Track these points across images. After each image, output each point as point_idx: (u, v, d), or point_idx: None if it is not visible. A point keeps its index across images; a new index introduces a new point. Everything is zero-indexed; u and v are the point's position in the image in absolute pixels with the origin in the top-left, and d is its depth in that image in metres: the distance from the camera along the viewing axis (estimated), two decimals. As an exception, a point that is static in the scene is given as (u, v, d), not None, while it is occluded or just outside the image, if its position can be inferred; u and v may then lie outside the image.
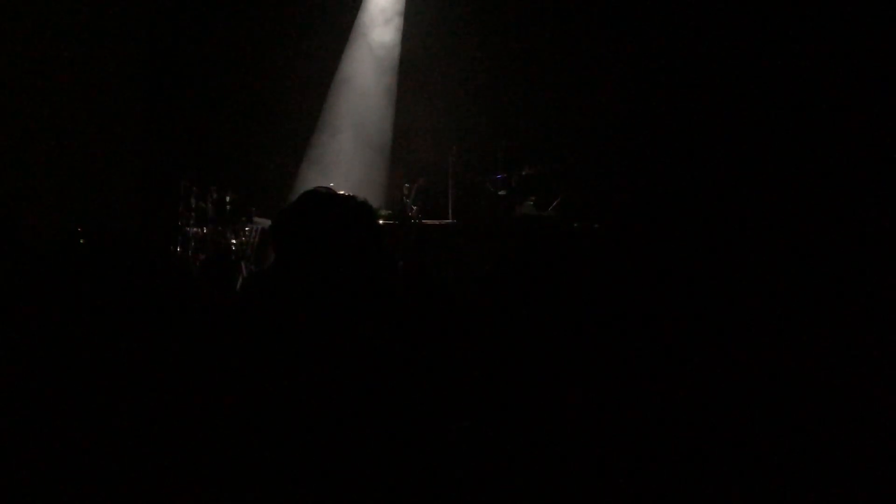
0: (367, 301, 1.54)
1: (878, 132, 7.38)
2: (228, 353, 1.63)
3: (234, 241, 8.32)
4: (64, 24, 8.53)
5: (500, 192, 8.66)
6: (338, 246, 1.55)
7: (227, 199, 8.60)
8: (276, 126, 9.99)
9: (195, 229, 8.45)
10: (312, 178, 9.95)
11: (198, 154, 9.37)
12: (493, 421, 1.71)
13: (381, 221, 8.62)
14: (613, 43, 8.82)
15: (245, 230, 8.49)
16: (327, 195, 1.64)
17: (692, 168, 8.46)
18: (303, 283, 1.55)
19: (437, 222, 8.71)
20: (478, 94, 9.74)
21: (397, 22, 10.09)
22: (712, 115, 8.40)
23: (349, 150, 10.14)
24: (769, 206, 7.58)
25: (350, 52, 10.22)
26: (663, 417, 1.87)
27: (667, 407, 1.92)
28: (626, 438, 1.77)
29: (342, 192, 1.71)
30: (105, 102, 9.03)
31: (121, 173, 9.21)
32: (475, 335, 2.11)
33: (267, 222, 8.42)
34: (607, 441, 1.76)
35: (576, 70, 9.11)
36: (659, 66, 8.71)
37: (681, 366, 2.28)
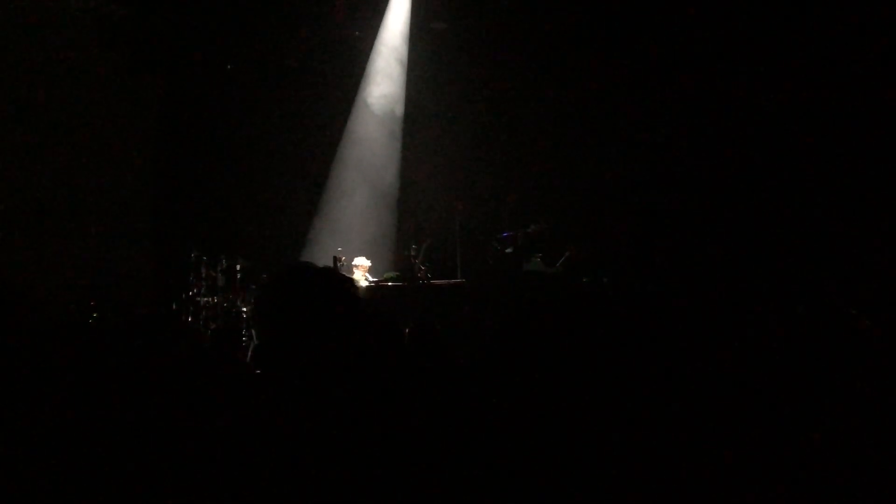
0: (349, 374, 1.55)
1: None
2: (237, 420, 1.64)
3: (244, 309, 8.33)
4: (74, 97, 8.78)
5: (507, 250, 8.69)
6: (314, 320, 1.57)
7: (238, 267, 8.66)
8: (284, 193, 10.12)
9: (206, 299, 8.49)
10: (320, 242, 10.03)
11: (207, 224, 9.47)
12: (500, 484, 1.70)
13: (389, 283, 8.66)
14: (620, 98, 8.94)
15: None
16: (305, 270, 1.66)
17: (701, 220, 8.49)
18: (284, 357, 1.56)
19: (445, 282, 8.72)
20: (482, 153, 9.86)
21: (399, 78, 10.26)
22: (720, 168, 8.48)
23: (356, 215, 10.23)
24: (776, 256, 7.58)
25: (354, 115, 10.40)
26: (672, 477, 1.85)
27: (675, 464, 1.90)
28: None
29: (326, 266, 1.73)
30: (115, 176, 9.20)
31: (131, 245, 9.31)
32: (483, 397, 2.11)
33: (277, 289, 8.43)
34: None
35: (582, 125, 9.21)
36: (666, 119, 8.82)
37: (693, 422, 2.25)
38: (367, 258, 8.91)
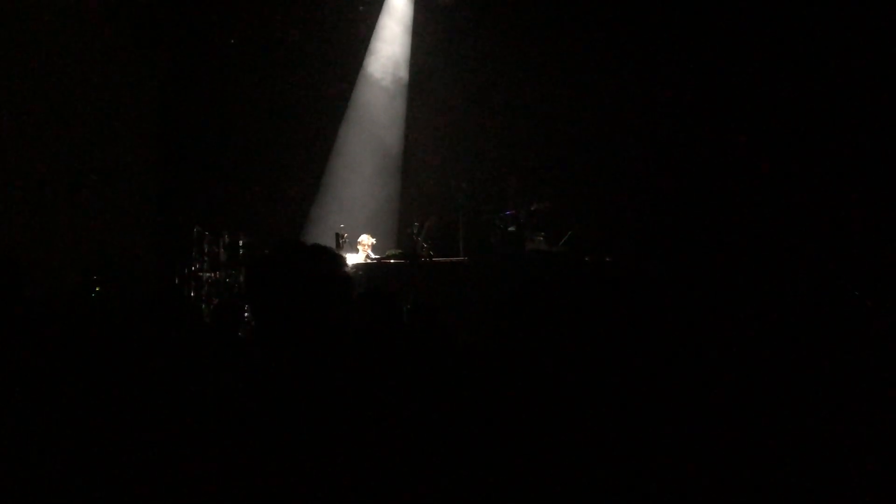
0: (343, 352, 1.55)
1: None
2: (237, 395, 1.64)
3: (246, 285, 8.32)
4: (77, 71, 8.73)
5: (509, 228, 8.66)
6: (303, 299, 1.56)
7: (240, 242, 8.66)
8: (287, 167, 10.10)
9: (208, 274, 8.50)
10: (323, 217, 10.02)
11: (210, 199, 9.47)
12: (502, 469, 1.70)
13: (391, 261, 8.65)
14: (628, 74, 8.87)
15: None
16: (293, 248, 1.65)
17: (703, 200, 8.47)
18: (277, 337, 1.56)
19: (448, 260, 8.71)
20: (485, 130, 9.81)
21: (404, 46, 10.18)
22: (723, 148, 8.44)
23: (360, 186, 10.22)
24: (778, 236, 7.56)
25: (358, 87, 10.34)
26: (676, 454, 1.85)
27: (680, 443, 1.90)
28: (639, 481, 1.75)
29: (316, 244, 1.71)
30: (118, 150, 9.18)
31: (134, 220, 9.32)
32: (483, 377, 2.11)
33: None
34: (619, 485, 1.74)
35: (588, 102, 9.15)
36: (670, 100, 8.76)
37: (697, 401, 2.25)
38: (371, 235, 8.90)
